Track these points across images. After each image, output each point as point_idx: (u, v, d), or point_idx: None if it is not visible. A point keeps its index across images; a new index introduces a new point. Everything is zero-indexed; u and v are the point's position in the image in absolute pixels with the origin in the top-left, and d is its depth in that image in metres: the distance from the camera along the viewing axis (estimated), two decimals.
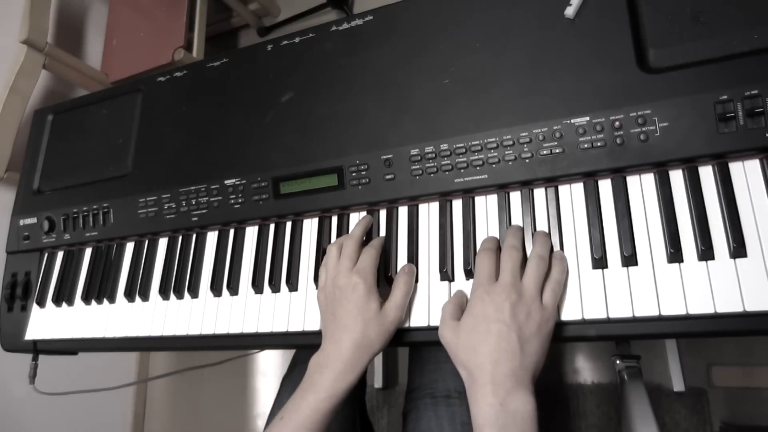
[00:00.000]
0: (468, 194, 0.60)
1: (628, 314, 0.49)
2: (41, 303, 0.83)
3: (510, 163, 0.57)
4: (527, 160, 0.56)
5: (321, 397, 0.53)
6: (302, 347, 0.77)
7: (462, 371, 0.50)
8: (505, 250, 0.53)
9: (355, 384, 0.54)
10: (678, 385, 1.07)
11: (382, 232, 0.63)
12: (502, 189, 0.58)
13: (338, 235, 0.66)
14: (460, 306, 0.54)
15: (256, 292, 0.68)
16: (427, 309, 0.58)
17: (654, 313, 0.48)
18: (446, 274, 0.58)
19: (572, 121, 0.55)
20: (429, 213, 0.62)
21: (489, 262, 0.52)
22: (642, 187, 0.53)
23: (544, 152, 0.55)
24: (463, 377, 0.50)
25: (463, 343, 0.50)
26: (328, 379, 0.53)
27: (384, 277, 0.61)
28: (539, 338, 0.48)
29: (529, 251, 0.54)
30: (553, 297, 0.50)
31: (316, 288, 0.64)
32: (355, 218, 0.66)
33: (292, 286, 0.66)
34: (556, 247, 0.54)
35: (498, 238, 0.57)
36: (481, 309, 0.50)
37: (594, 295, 0.51)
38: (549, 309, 0.50)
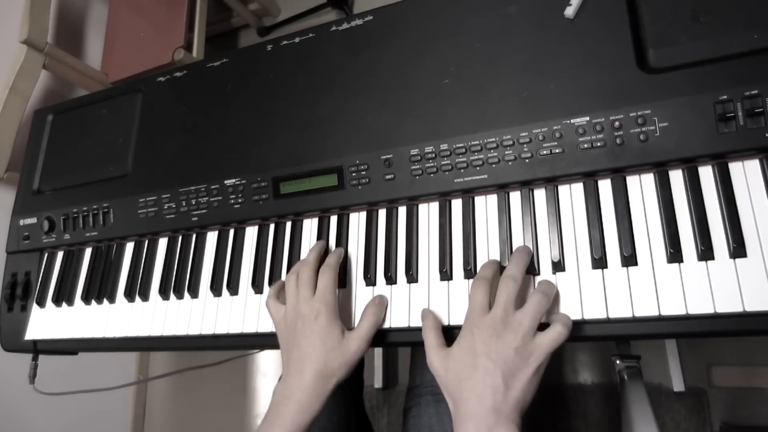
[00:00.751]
0: (468, 194, 0.60)
1: (628, 314, 0.49)
2: (41, 303, 0.83)
3: (510, 163, 0.57)
4: (527, 160, 0.56)
5: (286, 429, 0.53)
6: None
7: (449, 401, 0.51)
8: (502, 280, 0.51)
9: (319, 412, 0.55)
10: (678, 385, 1.07)
11: (382, 232, 0.63)
12: (502, 189, 0.58)
13: (338, 235, 0.66)
14: (439, 330, 0.54)
15: (256, 292, 0.68)
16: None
17: (654, 313, 0.48)
18: (446, 274, 0.58)
19: (572, 121, 0.55)
20: (429, 213, 0.62)
21: (482, 293, 0.51)
22: (642, 187, 0.53)
23: (544, 152, 0.55)
24: (450, 407, 0.50)
25: (451, 374, 0.50)
26: (292, 411, 0.53)
27: (384, 276, 0.61)
28: (525, 374, 0.47)
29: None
30: (552, 339, 0.48)
31: None
32: (355, 218, 0.66)
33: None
34: (556, 247, 0.54)
35: (498, 262, 0.56)
36: (469, 342, 0.50)
37: (594, 295, 0.51)
38: (542, 347, 0.48)
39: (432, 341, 0.53)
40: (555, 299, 0.52)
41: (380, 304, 0.58)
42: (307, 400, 0.53)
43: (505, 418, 0.46)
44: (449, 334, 0.55)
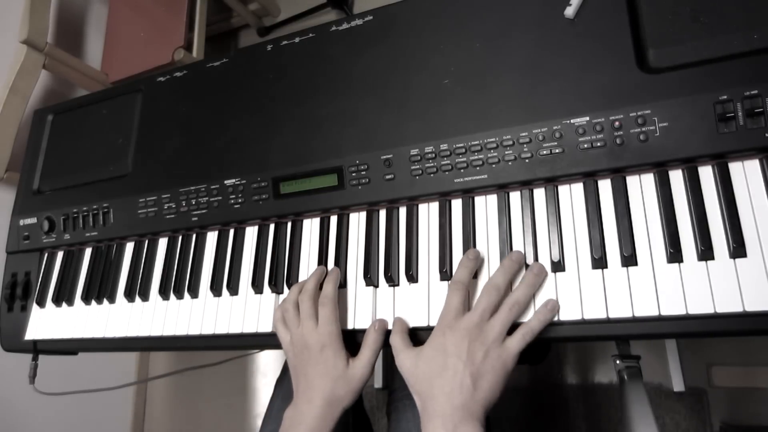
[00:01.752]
0: (468, 194, 0.60)
1: (627, 314, 0.49)
2: (41, 303, 0.83)
3: (510, 163, 0.57)
4: (527, 160, 0.56)
5: None
6: None
7: (417, 399, 0.52)
8: (487, 287, 0.53)
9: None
10: (678, 385, 1.06)
11: (382, 232, 0.63)
12: (502, 189, 0.58)
13: (338, 235, 0.66)
14: (405, 333, 0.56)
15: (256, 292, 0.68)
16: (427, 309, 0.58)
17: (654, 313, 0.48)
18: (446, 274, 0.58)
19: (572, 121, 0.55)
20: (429, 213, 0.62)
21: (458, 298, 0.53)
22: (642, 187, 0.53)
23: (544, 152, 0.55)
24: (417, 404, 0.52)
25: (421, 373, 0.52)
26: None
27: (384, 276, 0.61)
28: (494, 377, 0.50)
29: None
30: (519, 342, 0.51)
31: None
32: (355, 218, 0.66)
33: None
34: (556, 247, 0.54)
35: (476, 258, 0.56)
36: (441, 342, 0.52)
37: (594, 295, 0.51)
38: (510, 351, 0.51)
39: (401, 344, 0.55)
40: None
41: (380, 330, 0.59)
42: (317, 425, 0.56)
43: (470, 415, 0.48)
44: (417, 337, 0.57)
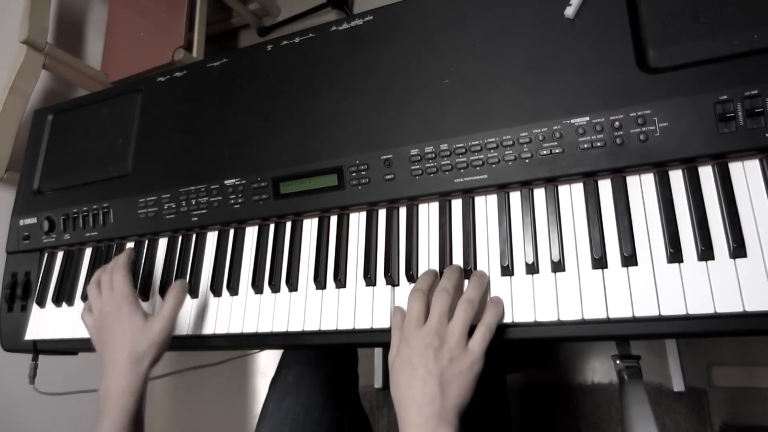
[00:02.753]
0: (468, 194, 0.60)
1: (628, 314, 0.49)
2: (41, 303, 0.83)
3: (510, 163, 0.57)
4: (527, 160, 0.56)
5: (115, 416, 0.60)
6: (302, 347, 0.77)
7: (395, 406, 0.52)
8: (436, 293, 0.54)
9: (143, 390, 0.61)
10: (678, 385, 1.07)
11: (382, 233, 0.63)
12: (502, 189, 0.58)
13: (338, 235, 0.66)
14: (401, 329, 0.56)
15: (256, 292, 0.68)
16: None
17: (654, 313, 0.48)
18: None
19: (572, 121, 0.55)
20: (429, 213, 0.62)
21: (418, 305, 0.53)
22: (642, 187, 0.53)
23: (544, 152, 0.55)
24: (396, 412, 0.53)
25: (393, 382, 0.53)
26: (115, 398, 0.60)
27: (384, 276, 0.61)
28: (462, 381, 0.50)
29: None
30: (480, 341, 0.51)
31: (316, 288, 0.64)
32: (355, 218, 0.66)
33: (292, 286, 0.66)
34: (556, 247, 0.54)
35: (437, 272, 0.57)
36: (407, 353, 0.52)
37: (594, 295, 0.51)
38: (474, 353, 0.51)
39: (396, 340, 0.55)
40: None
41: (180, 287, 0.64)
42: (126, 384, 0.59)
43: (444, 422, 0.48)
44: None
